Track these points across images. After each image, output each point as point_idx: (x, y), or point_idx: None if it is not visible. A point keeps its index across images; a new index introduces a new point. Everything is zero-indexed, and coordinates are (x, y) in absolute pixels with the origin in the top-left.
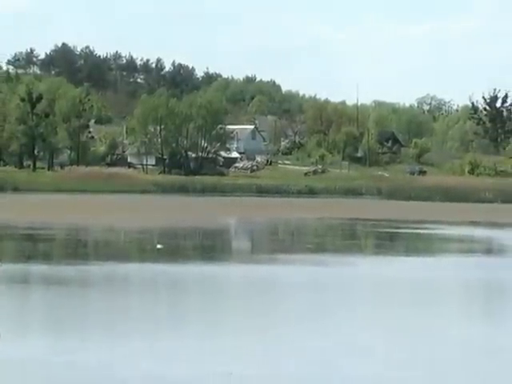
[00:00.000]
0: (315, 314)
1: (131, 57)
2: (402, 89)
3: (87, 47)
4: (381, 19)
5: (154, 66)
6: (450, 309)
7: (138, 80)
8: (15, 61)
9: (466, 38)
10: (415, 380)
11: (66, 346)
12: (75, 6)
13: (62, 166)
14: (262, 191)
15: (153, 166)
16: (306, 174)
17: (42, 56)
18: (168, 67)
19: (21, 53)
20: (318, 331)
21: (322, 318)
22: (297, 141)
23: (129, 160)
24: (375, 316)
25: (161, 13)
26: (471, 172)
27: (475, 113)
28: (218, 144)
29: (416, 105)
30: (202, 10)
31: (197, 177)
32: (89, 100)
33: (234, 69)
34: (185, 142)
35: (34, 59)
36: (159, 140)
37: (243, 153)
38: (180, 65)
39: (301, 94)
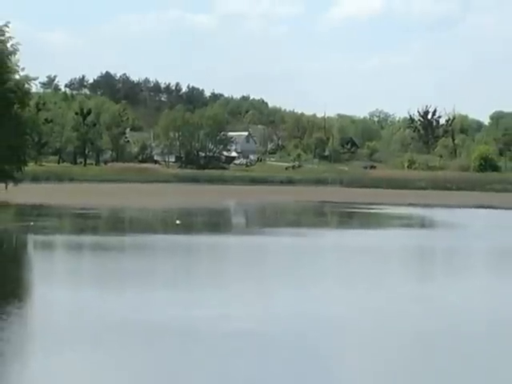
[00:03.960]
0: (293, 270)
1: (157, 81)
2: (358, 105)
3: (124, 74)
4: (341, 54)
5: (173, 88)
6: (392, 267)
7: (162, 99)
8: (71, 84)
9: (405, 67)
10: (366, 319)
11: (108, 295)
12: (115, 42)
13: (105, 162)
14: (254, 181)
15: (173, 162)
16: (286, 168)
17: (91, 81)
18: (184, 89)
19: (75, 78)
20: (295, 282)
21: (298, 273)
22: (279, 144)
23: (155, 158)
24: (338, 273)
25: (179, 47)
26: (409, 167)
27: (412, 123)
28: (221, 146)
29: (368, 117)
30: (210, 45)
31: (205, 170)
32: (125, 113)
33: (233, 90)
34: (196, 144)
35: (85, 83)
36: (178, 143)
37: (240, 152)
38: (193, 87)
39: (283, 108)
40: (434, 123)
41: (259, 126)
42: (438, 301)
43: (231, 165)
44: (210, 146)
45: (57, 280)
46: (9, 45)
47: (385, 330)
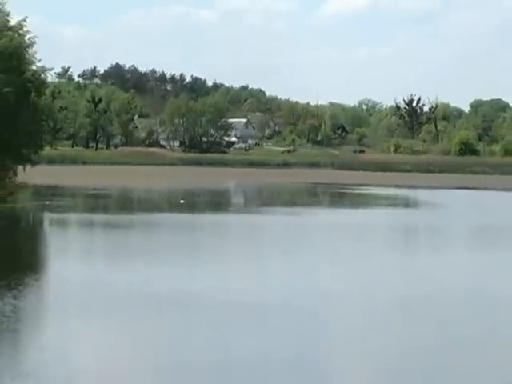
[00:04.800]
0: (288, 246)
1: (163, 72)
2: (348, 94)
3: (133, 65)
4: (332, 47)
5: (178, 78)
6: (380, 242)
7: (168, 88)
8: (83, 74)
9: (391, 59)
10: (353, 289)
11: (118, 267)
12: (124, 36)
13: (115, 146)
14: (252, 164)
15: (178, 146)
16: (282, 152)
17: (102, 71)
18: (188, 79)
19: (87, 69)
20: (290, 257)
21: (293, 249)
22: (276, 130)
23: (161, 142)
24: (329, 247)
25: (183, 41)
26: (395, 151)
27: (398, 110)
28: (222, 132)
29: (357, 105)
30: (212, 38)
31: (207, 154)
32: (134, 101)
33: (233, 80)
34: (199, 130)
35: (97, 73)
36: (182, 129)
37: (239, 138)
38: (196, 77)
39: (279, 97)
40: (418, 111)
41: (257, 114)
42: (418, 272)
43: (231, 149)
44: (212, 132)
45: (70, 254)
46: (26, 38)
47: (370, 298)
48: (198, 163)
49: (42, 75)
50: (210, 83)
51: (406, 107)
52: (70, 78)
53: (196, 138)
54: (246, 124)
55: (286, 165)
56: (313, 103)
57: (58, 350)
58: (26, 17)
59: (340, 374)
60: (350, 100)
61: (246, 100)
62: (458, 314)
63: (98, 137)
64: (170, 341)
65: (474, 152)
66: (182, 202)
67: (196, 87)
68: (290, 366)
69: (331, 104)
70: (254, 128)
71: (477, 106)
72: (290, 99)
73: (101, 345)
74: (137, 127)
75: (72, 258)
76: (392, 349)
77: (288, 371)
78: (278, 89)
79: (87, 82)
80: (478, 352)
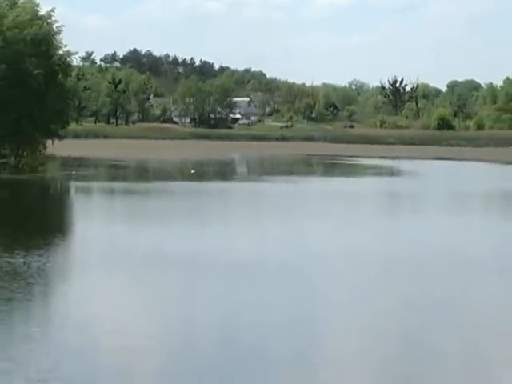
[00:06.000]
0: (286, 210)
1: (175, 56)
2: (339, 75)
3: (148, 50)
4: (326, 34)
5: (189, 61)
6: (368, 207)
7: (180, 70)
8: (105, 59)
9: (378, 45)
10: (343, 249)
11: (134, 230)
12: (141, 24)
13: (133, 122)
14: (254, 138)
15: (188, 122)
16: (281, 127)
17: (121, 56)
18: (197, 62)
19: (108, 54)
20: (288, 220)
21: (290, 213)
22: (275, 108)
23: (174, 119)
24: (324, 211)
25: (194, 28)
26: (381, 126)
27: (383, 90)
28: (228, 109)
29: (348, 85)
30: (219, 27)
31: (215, 129)
32: (149, 82)
33: (237, 63)
34: (207, 108)
35: (116, 58)
36: (192, 107)
37: (243, 115)
38: (205, 61)
39: (278, 78)
40: (401, 90)
41: (258, 93)
42: (402, 234)
43: (236, 125)
44: (219, 110)
45: (94, 217)
46: (54, 26)
47: (358, 257)
48: (207, 137)
49: (68, 59)
50: (217, 66)
51: (391, 87)
52: (93, 62)
53: (205, 115)
54: (249, 103)
55: (284, 139)
56: (308, 84)
57: (79, 301)
58: (54, 7)
59: (329, 319)
60: (341, 81)
61: (248, 81)
62: (436, 271)
63: (117, 114)
64: (180, 291)
65: (450, 127)
66: (192, 171)
67: (205, 70)
68: (286, 314)
69: (324, 84)
70: (255, 106)
71: (453, 86)
72: (288, 80)
73: (118, 295)
74: (152, 105)
75: (95, 221)
76: (378, 297)
77: (284, 319)
78: (277, 71)
79: (108, 65)
80: (452, 309)
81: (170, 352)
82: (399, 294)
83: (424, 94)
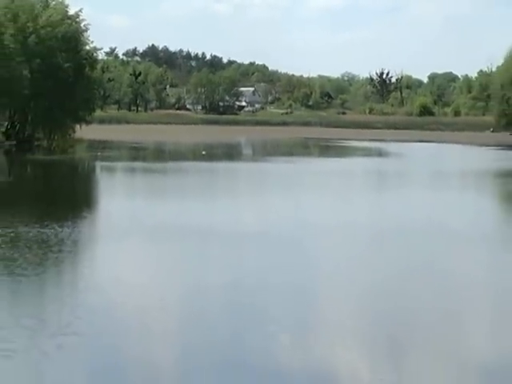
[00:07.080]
0: (288, 187)
1: (189, 51)
2: (333, 68)
3: (165, 46)
4: (321, 31)
5: (200, 56)
6: (359, 183)
7: (192, 64)
8: (126, 53)
9: (367, 41)
10: (337, 221)
11: (153, 204)
12: (159, 23)
13: (151, 109)
14: (258, 123)
15: (200, 109)
16: (281, 114)
17: (141, 51)
18: (208, 57)
19: (130, 49)
20: (290, 196)
21: (292, 189)
22: (277, 97)
23: (187, 106)
24: (320, 187)
25: (205, 27)
26: (369, 113)
27: (372, 81)
28: (235, 98)
29: (340, 77)
30: (227, 25)
31: (223, 116)
32: (166, 75)
33: (243, 57)
34: (217, 97)
35: (137, 53)
36: (203, 96)
37: (248, 103)
38: (215, 55)
39: (279, 71)
40: (388, 81)
41: (262, 84)
42: (389, 206)
43: (242, 112)
44: (227, 98)
45: (117, 193)
46: (82, 25)
47: (350, 228)
48: (216, 123)
49: (94, 54)
50: (225, 60)
51: (378, 78)
52: (116, 56)
53: (214, 103)
54: (254, 92)
55: (284, 124)
56: (305, 75)
57: (102, 266)
58: (82, 8)
59: (325, 282)
60: (335, 73)
61: (253, 73)
62: (420, 240)
63: (137, 102)
64: (192, 258)
65: (431, 113)
66: (203, 153)
67: (214, 63)
68: (285, 277)
69: (320, 76)
70: (259, 95)
71: (433, 77)
72: (288, 72)
73: (137, 261)
74: (168, 95)
75: (118, 196)
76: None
77: (283, 281)
78: (278, 64)
79: (129, 59)
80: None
81: (181, 311)
82: (387, 259)
83: (408, 84)
